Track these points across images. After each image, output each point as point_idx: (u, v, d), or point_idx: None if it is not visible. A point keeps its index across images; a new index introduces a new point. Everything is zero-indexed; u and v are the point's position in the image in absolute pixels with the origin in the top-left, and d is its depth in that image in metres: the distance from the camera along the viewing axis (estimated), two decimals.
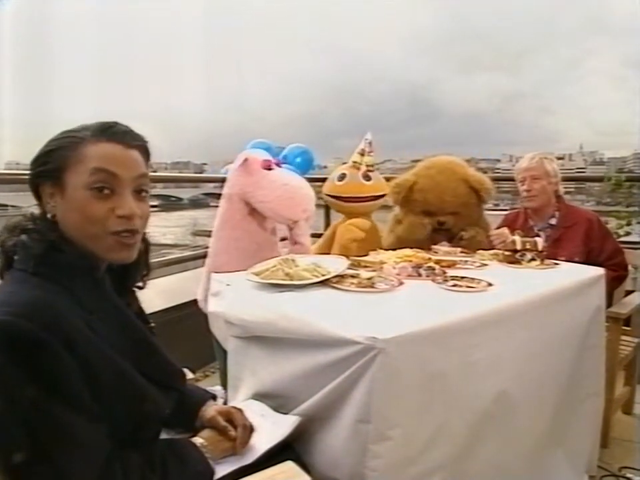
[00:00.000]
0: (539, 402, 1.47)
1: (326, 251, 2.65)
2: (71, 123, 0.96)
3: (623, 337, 2.34)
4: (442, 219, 2.28)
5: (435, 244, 2.18)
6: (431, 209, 2.30)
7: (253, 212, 2.09)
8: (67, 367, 0.83)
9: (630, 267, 2.49)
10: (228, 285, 1.52)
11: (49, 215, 0.93)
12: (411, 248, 1.89)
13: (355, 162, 2.55)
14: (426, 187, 2.31)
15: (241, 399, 1.35)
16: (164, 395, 1.02)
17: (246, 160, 2.04)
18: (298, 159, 2.41)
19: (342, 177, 2.54)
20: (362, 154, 2.57)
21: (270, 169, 2.06)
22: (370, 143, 2.58)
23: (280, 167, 2.14)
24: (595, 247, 2.27)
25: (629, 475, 2.00)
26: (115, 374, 0.91)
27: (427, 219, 2.30)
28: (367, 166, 2.53)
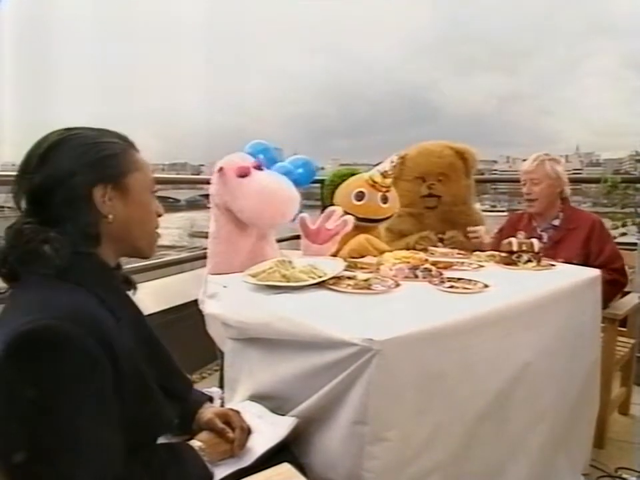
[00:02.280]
0: (536, 403, 1.47)
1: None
2: (69, 124, 0.99)
3: (619, 338, 2.35)
4: (431, 183, 2.50)
5: (427, 222, 2.39)
6: (421, 170, 2.54)
7: (238, 218, 2.06)
8: (106, 373, 0.85)
9: (626, 268, 2.51)
10: (225, 286, 1.53)
11: (110, 216, 0.97)
12: (407, 246, 1.92)
13: (375, 182, 2.47)
14: (415, 154, 2.59)
15: (238, 401, 1.36)
16: (173, 404, 1.04)
17: (221, 169, 1.99)
18: (300, 170, 2.40)
19: (360, 196, 2.44)
20: (385, 176, 2.51)
21: (245, 176, 1.99)
22: (395, 166, 2.55)
23: (261, 169, 2.07)
24: (594, 251, 2.27)
25: (625, 476, 2.01)
26: (139, 385, 0.93)
27: (417, 185, 2.52)
28: (387, 187, 2.48)
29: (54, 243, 0.90)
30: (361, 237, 2.23)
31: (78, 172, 0.94)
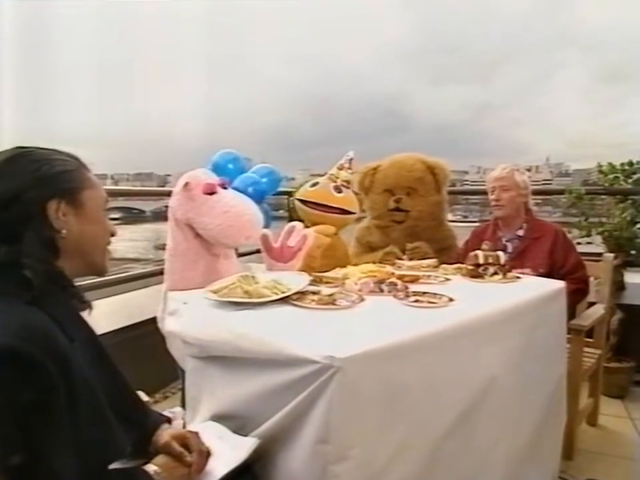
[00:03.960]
0: (503, 416, 1.49)
1: None
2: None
3: (586, 349, 2.40)
4: (399, 197, 2.52)
5: (393, 235, 2.44)
6: (390, 183, 2.56)
7: (199, 235, 2.06)
8: (60, 397, 0.84)
9: (592, 279, 2.58)
10: (185, 303, 1.51)
11: (63, 231, 0.98)
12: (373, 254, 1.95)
13: (331, 174, 2.59)
14: (386, 166, 2.61)
15: (200, 421, 1.34)
16: (127, 429, 1.02)
17: (187, 184, 1.99)
18: (264, 180, 2.40)
19: (314, 184, 2.59)
20: (340, 168, 2.61)
21: (212, 193, 2.00)
22: (350, 160, 2.63)
23: (226, 188, 2.08)
24: (558, 259, 2.34)
25: None
26: (92, 409, 0.92)
27: (385, 198, 2.56)
28: (343, 181, 2.57)
29: (30, 266, 0.92)
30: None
31: (31, 187, 0.95)
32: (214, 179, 2.08)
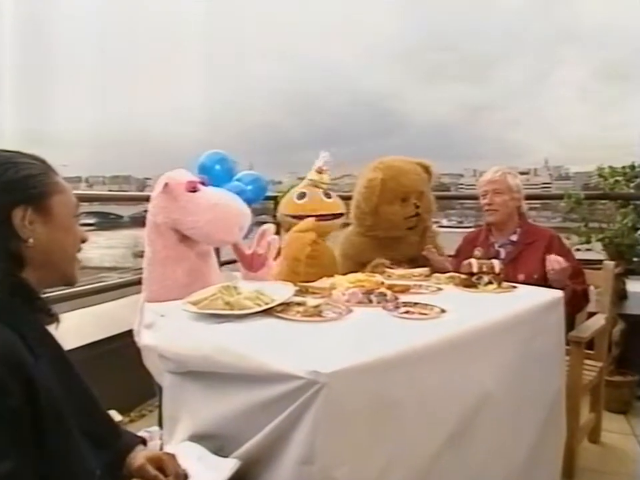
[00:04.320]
0: (498, 434, 1.50)
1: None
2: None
3: (587, 362, 2.41)
4: (417, 202, 2.56)
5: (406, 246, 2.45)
6: (406, 190, 2.56)
7: (185, 238, 2.06)
8: (25, 420, 0.84)
9: (592, 288, 2.60)
10: (162, 315, 1.51)
11: (30, 240, 0.97)
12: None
13: (313, 180, 2.57)
14: (394, 174, 2.57)
15: (177, 441, 1.34)
16: (97, 451, 1.02)
17: (167, 185, 1.99)
18: (250, 187, 2.41)
19: (302, 195, 2.55)
20: (320, 172, 2.61)
21: (195, 191, 2.01)
22: (326, 161, 2.63)
23: (205, 185, 2.09)
24: None
25: None
26: (59, 432, 0.91)
27: (402, 206, 2.56)
28: (326, 183, 2.58)
29: None
30: (288, 237, 2.29)
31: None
32: (193, 177, 2.09)
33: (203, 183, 2.08)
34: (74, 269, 1.08)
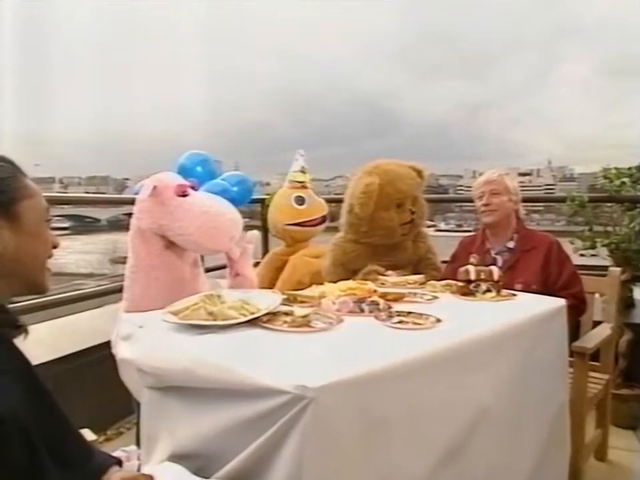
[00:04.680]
0: (497, 451, 1.51)
1: (269, 284, 2.64)
2: None
3: (592, 374, 2.40)
4: (412, 207, 2.59)
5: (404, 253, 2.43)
6: (403, 196, 2.58)
7: (171, 245, 2.06)
8: None
9: (597, 295, 2.61)
10: (141, 326, 1.51)
11: None
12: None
13: (302, 182, 2.56)
14: (389, 179, 2.59)
15: (156, 461, 1.33)
16: (68, 474, 1.01)
17: (155, 188, 1.99)
18: (235, 188, 2.41)
19: (300, 200, 2.53)
20: (304, 172, 2.61)
21: (185, 195, 2.02)
22: (303, 160, 2.64)
23: (196, 189, 2.10)
24: (553, 273, 2.38)
25: None
26: (26, 454, 0.91)
27: (398, 213, 2.57)
28: (310, 183, 2.58)
29: None
30: (298, 259, 2.29)
31: None
32: (182, 181, 2.09)
33: (193, 187, 2.08)
34: (44, 277, 1.08)
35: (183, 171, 2.25)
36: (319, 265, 2.33)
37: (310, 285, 2.16)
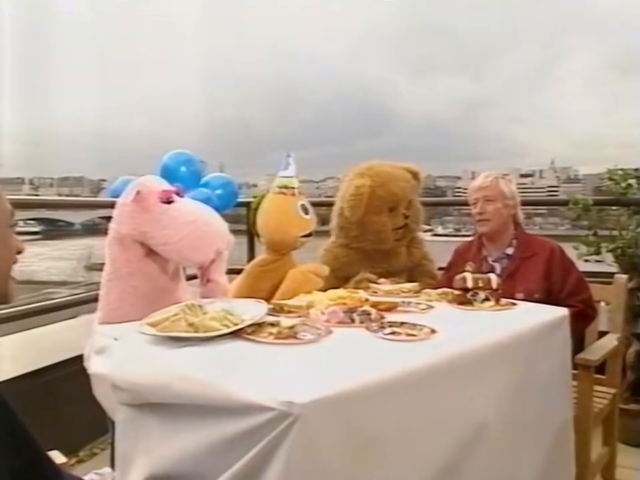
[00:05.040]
0: (495, 471, 1.52)
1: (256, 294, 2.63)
2: None
3: (597, 388, 2.41)
4: (406, 212, 2.64)
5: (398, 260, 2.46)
6: (396, 199, 2.63)
7: (152, 254, 2.05)
8: None
9: (602, 304, 2.62)
10: (116, 339, 1.51)
11: None
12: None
13: (297, 188, 2.55)
14: (382, 181, 2.64)
15: None
16: None
17: (138, 193, 1.98)
18: (219, 192, 2.41)
19: (305, 209, 2.53)
20: (296, 177, 2.59)
21: (170, 202, 2.01)
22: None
23: (181, 196, 2.09)
24: (557, 281, 2.38)
25: None
26: None
27: (391, 217, 2.61)
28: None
29: None
30: (299, 273, 2.29)
31: None
32: (167, 186, 2.10)
33: (178, 193, 2.08)
34: (8, 286, 1.08)
35: (166, 172, 2.25)
36: (320, 283, 2.33)
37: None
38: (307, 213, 2.43)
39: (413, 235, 2.71)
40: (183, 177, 2.25)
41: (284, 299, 1.98)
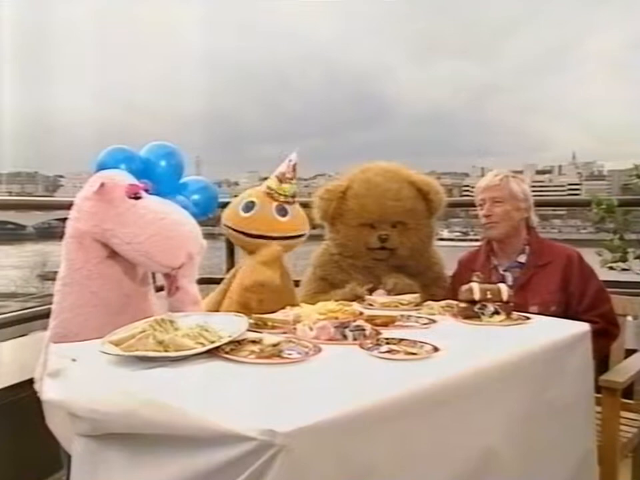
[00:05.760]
0: None
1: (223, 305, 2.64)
2: None
3: (624, 414, 2.39)
4: (383, 233, 2.51)
5: (377, 274, 2.43)
6: (370, 217, 2.53)
7: (115, 255, 2.06)
8: None
9: (629, 318, 2.63)
10: (73, 360, 1.50)
11: None
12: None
13: (270, 188, 2.56)
14: (362, 190, 2.57)
15: None
16: None
17: (102, 185, 1.99)
18: (196, 197, 2.41)
19: (249, 206, 2.53)
20: (281, 180, 2.59)
21: (138, 198, 2.02)
22: (294, 166, 2.62)
23: (148, 192, 2.10)
24: (575, 292, 2.39)
25: None
26: None
27: (364, 234, 2.54)
28: (285, 196, 2.56)
29: None
30: (249, 266, 2.31)
31: None
32: (135, 180, 2.10)
33: (146, 190, 2.09)
34: None
35: (147, 166, 2.27)
36: (276, 280, 2.34)
37: (257, 305, 2.17)
38: (247, 211, 2.46)
39: (406, 261, 2.60)
40: (161, 172, 2.26)
41: (240, 294, 2.01)
